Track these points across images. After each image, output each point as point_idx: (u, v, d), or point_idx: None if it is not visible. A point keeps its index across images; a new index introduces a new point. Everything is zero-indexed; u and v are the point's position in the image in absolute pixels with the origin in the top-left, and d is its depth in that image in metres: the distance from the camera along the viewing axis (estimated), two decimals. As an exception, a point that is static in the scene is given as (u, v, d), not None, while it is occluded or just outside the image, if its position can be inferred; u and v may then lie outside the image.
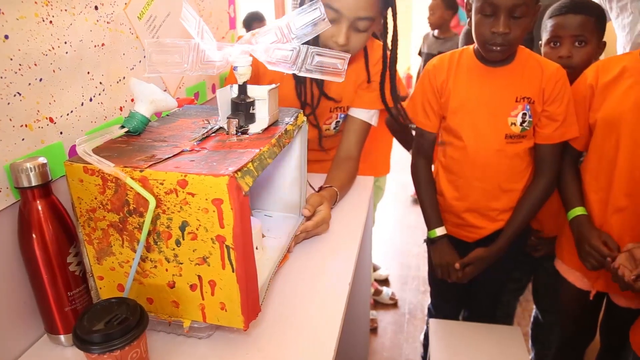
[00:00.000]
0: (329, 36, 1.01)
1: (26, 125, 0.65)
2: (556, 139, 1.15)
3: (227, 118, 0.70)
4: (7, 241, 0.64)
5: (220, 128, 0.72)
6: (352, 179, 1.18)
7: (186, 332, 0.65)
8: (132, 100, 0.88)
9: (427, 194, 1.29)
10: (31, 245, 0.62)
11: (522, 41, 1.13)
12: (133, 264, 0.58)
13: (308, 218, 0.91)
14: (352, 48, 1.04)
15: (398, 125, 1.50)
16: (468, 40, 1.62)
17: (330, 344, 0.66)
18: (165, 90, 1.01)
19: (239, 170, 0.54)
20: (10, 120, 0.62)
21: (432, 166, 1.34)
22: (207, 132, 0.70)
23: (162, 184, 0.54)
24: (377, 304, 2.17)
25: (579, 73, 1.18)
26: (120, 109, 0.85)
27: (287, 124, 0.74)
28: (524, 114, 1.14)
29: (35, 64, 0.66)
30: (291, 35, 0.68)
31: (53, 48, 0.69)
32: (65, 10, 0.70)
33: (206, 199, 0.54)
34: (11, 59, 0.62)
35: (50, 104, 0.69)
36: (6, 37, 0.61)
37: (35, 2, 0.65)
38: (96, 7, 0.77)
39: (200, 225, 0.55)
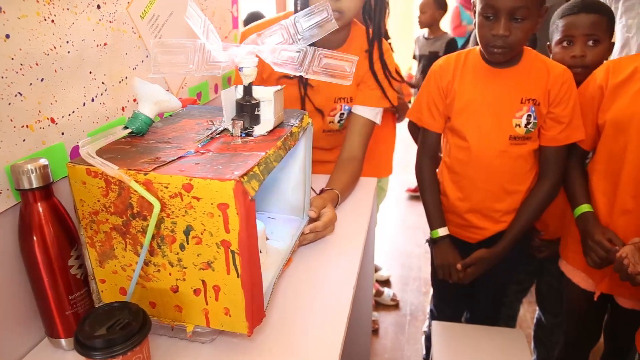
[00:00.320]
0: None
1: (27, 126, 0.64)
2: (561, 141, 1.15)
3: (232, 120, 0.69)
4: (7, 243, 0.63)
5: (225, 129, 0.71)
6: (355, 180, 1.17)
7: (189, 336, 0.64)
8: (135, 100, 0.87)
9: (430, 194, 1.29)
10: (32, 248, 0.61)
11: (526, 43, 1.13)
12: (137, 268, 0.57)
13: (312, 220, 0.90)
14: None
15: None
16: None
17: (334, 350, 0.66)
18: (167, 91, 1.00)
19: (245, 174, 0.53)
20: (11, 120, 0.61)
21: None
22: (211, 133, 0.69)
23: (166, 187, 0.53)
24: (379, 305, 2.17)
25: (591, 72, 1.17)
26: (123, 109, 0.84)
27: (292, 126, 0.73)
28: (529, 116, 1.13)
29: (37, 64, 0.65)
30: (297, 36, 0.67)
31: (55, 47, 0.67)
32: (68, 9, 0.69)
33: (211, 204, 0.53)
34: (12, 59, 0.61)
35: (51, 104, 0.68)
36: (7, 36, 0.60)
37: (37, 1, 0.64)
38: (98, 6, 0.76)
39: (205, 229, 0.55)
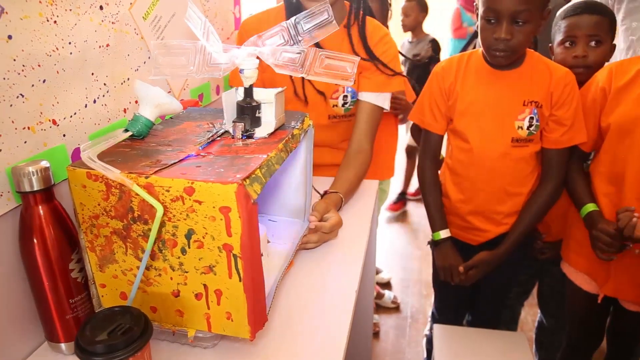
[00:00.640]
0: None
1: (29, 128, 0.64)
2: (564, 143, 1.14)
3: (233, 122, 0.69)
4: (8, 246, 0.62)
5: (226, 132, 0.71)
6: (362, 175, 1.15)
7: (191, 341, 0.64)
8: (137, 102, 0.87)
9: (432, 196, 1.28)
10: (32, 251, 0.61)
11: (529, 45, 1.12)
12: (138, 273, 0.57)
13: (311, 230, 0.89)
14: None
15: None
16: None
17: (337, 355, 0.65)
18: (169, 92, 0.99)
19: (247, 177, 0.52)
20: (13, 122, 0.61)
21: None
22: (212, 136, 0.68)
23: (168, 190, 0.53)
24: (379, 308, 2.16)
25: (593, 73, 1.18)
26: (124, 110, 0.84)
27: (293, 128, 0.73)
28: (531, 118, 1.13)
29: (39, 65, 0.64)
30: (298, 37, 0.67)
31: (57, 49, 0.67)
32: (70, 10, 0.69)
33: (213, 207, 0.52)
34: (14, 60, 0.60)
35: (53, 105, 0.67)
36: (9, 37, 0.59)
37: (40, 2, 0.64)
38: (101, 7, 0.75)
39: (206, 233, 0.54)
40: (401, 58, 1.34)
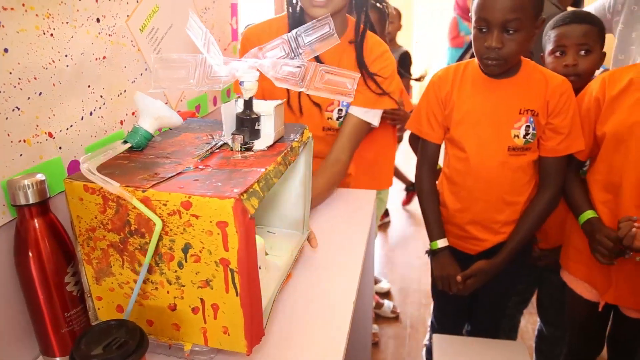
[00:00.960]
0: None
1: (24, 141, 0.63)
2: (561, 152, 1.15)
3: (232, 134, 0.68)
4: (3, 260, 0.62)
5: (224, 144, 0.70)
6: (334, 184, 1.16)
7: (187, 355, 0.63)
8: (133, 113, 0.86)
9: (429, 205, 1.28)
10: (27, 265, 0.60)
11: (524, 54, 1.13)
12: (136, 286, 0.56)
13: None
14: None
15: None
16: None
17: (335, 367, 0.64)
18: (166, 103, 0.99)
19: (245, 191, 0.52)
20: (8, 135, 0.61)
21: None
22: (210, 148, 0.68)
23: (165, 204, 0.53)
24: (379, 318, 2.15)
25: (584, 81, 1.20)
26: (121, 122, 0.83)
27: (292, 140, 0.73)
28: (527, 127, 1.13)
29: (35, 78, 0.64)
30: (299, 50, 0.67)
31: (53, 61, 0.67)
32: (67, 22, 0.69)
33: (210, 221, 0.52)
34: (10, 73, 0.60)
35: (49, 118, 0.67)
36: (6, 50, 0.59)
37: (37, 15, 0.64)
38: (98, 20, 0.76)
39: (203, 247, 0.54)
40: None
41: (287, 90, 1.16)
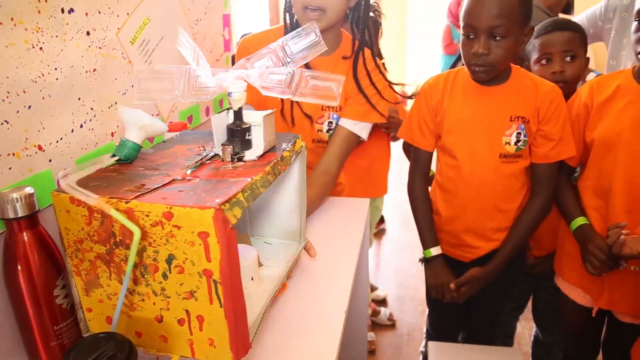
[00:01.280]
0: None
1: (13, 154, 0.64)
2: (552, 158, 1.15)
3: (222, 145, 0.69)
4: (-9, 273, 0.62)
5: (216, 155, 0.71)
6: (323, 195, 1.17)
7: (175, 366, 0.63)
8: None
9: (422, 213, 1.28)
10: (16, 278, 0.60)
11: (513, 61, 1.14)
12: (120, 297, 0.56)
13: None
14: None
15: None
16: None
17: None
18: (157, 115, 1.00)
19: (227, 201, 0.53)
20: (-3, 149, 0.61)
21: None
22: (201, 159, 0.68)
23: (147, 215, 0.53)
24: (375, 325, 2.14)
25: (572, 86, 1.23)
26: (112, 134, 0.84)
27: (283, 150, 0.73)
28: (519, 133, 1.14)
29: (24, 91, 0.65)
30: (287, 59, 0.67)
31: (43, 75, 0.68)
32: (57, 36, 0.70)
33: (192, 232, 0.52)
34: (-1, 87, 0.61)
35: (39, 131, 0.68)
36: (-6, 65, 0.60)
37: (26, 29, 0.64)
38: (88, 33, 0.76)
39: (186, 258, 0.54)
40: None
41: (282, 100, 1.17)
